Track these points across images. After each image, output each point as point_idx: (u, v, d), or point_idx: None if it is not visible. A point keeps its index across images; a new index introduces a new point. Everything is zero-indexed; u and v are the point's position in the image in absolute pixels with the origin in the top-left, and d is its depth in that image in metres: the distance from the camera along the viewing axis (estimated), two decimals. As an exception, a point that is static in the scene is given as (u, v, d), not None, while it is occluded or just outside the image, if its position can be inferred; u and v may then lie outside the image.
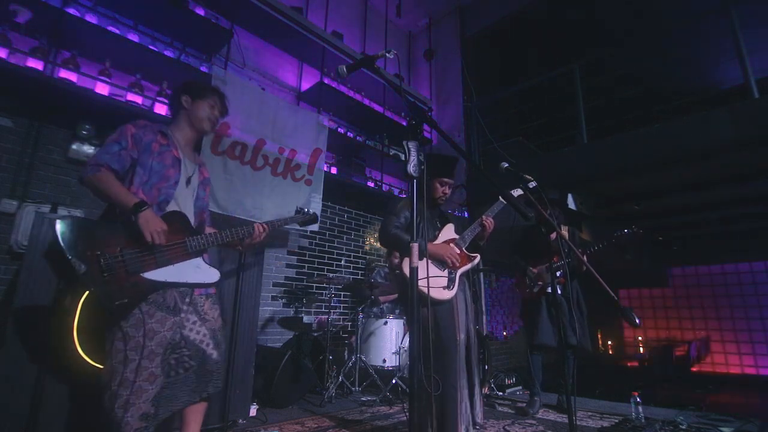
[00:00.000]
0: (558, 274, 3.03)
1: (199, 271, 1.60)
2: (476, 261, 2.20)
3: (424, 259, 1.98)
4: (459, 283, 2.13)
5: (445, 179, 2.25)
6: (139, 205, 1.43)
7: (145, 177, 1.55)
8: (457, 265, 2.11)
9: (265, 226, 1.83)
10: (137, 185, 1.53)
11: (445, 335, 1.98)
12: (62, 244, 1.33)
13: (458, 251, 2.14)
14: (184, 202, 1.66)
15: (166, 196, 1.58)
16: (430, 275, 1.95)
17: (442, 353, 1.95)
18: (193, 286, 1.59)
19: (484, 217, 2.20)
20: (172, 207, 1.60)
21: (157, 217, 1.47)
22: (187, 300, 1.56)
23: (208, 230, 1.78)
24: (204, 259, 1.66)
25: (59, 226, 1.35)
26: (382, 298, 3.99)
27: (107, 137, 1.57)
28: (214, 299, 1.68)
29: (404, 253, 2.10)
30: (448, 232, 2.25)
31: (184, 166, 1.69)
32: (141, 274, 1.43)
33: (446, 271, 2.11)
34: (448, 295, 2.05)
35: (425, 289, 1.85)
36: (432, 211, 2.30)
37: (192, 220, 1.69)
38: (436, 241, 2.19)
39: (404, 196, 2.57)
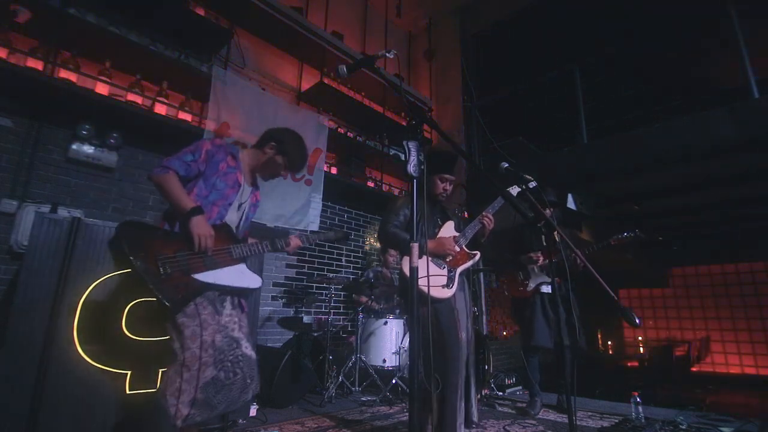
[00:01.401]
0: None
1: (243, 276, 1.71)
2: (476, 258, 2.18)
3: (424, 258, 1.98)
4: (458, 281, 2.11)
5: (446, 175, 2.22)
6: (194, 210, 1.56)
7: (206, 192, 1.67)
8: (455, 252, 2.09)
9: (299, 241, 1.96)
10: (195, 197, 1.64)
11: (447, 334, 1.96)
12: (125, 246, 1.45)
13: (457, 248, 2.12)
14: (231, 221, 1.77)
15: (220, 215, 1.70)
16: (429, 274, 1.94)
17: (444, 352, 1.93)
18: (238, 290, 1.69)
19: (483, 214, 2.19)
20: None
21: (206, 223, 1.59)
22: (234, 303, 1.68)
23: (251, 240, 1.88)
24: (247, 266, 1.75)
25: (122, 229, 1.50)
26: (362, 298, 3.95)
27: (184, 147, 1.68)
28: (247, 312, 1.79)
29: (403, 251, 2.10)
30: (448, 229, 2.23)
31: (242, 190, 1.80)
32: (192, 275, 1.55)
33: (445, 269, 2.10)
34: (447, 293, 2.04)
35: (425, 288, 1.84)
36: (432, 208, 2.28)
37: (237, 232, 1.80)
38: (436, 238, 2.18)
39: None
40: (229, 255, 1.68)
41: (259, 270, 2.73)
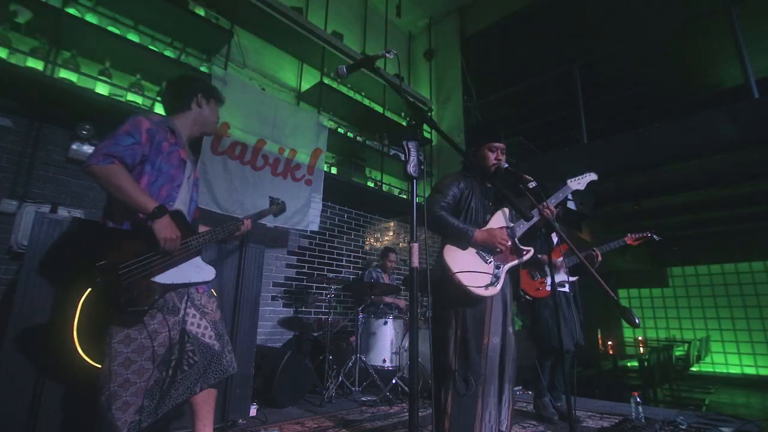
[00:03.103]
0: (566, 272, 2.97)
1: (199, 270, 1.61)
2: (527, 256, 1.90)
3: (470, 249, 1.83)
4: (503, 280, 1.85)
5: (496, 144, 1.96)
6: (158, 210, 1.41)
7: (153, 177, 1.52)
8: (507, 246, 1.84)
9: (249, 223, 1.88)
10: (145, 185, 1.49)
11: (471, 337, 1.77)
12: (88, 260, 1.35)
13: (508, 240, 1.86)
14: (182, 203, 1.65)
15: (170, 198, 1.56)
16: (472, 269, 1.79)
17: (465, 357, 1.76)
18: (195, 285, 1.60)
19: (545, 203, 1.86)
20: (174, 207, 1.59)
21: (172, 225, 1.46)
22: (185, 298, 1.56)
23: (201, 228, 1.77)
24: (201, 257, 1.67)
25: (79, 231, 1.39)
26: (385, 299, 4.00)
27: (118, 127, 1.48)
28: (209, 292, 1.69)
29: (448, 237, 1.87)
30: (499, 218, 1.93)
31: (188, 167, 1.67)
32: (153, 279, 1.44)
33: (492, 265, 1.84)
34: (489, 292, 1.78)
35: (465, 285, 1.73)
36: (485, 188, 2.00)
37: (188, 219, 1.70)
38: (486, 227, 1.89)
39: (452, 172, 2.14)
40: (186, 249, 1.55)
41: (259, 269, 2.73)
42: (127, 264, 1.38)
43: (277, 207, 2.16)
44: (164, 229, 1.43)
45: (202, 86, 1.76)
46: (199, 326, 1.56)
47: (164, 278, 1.47)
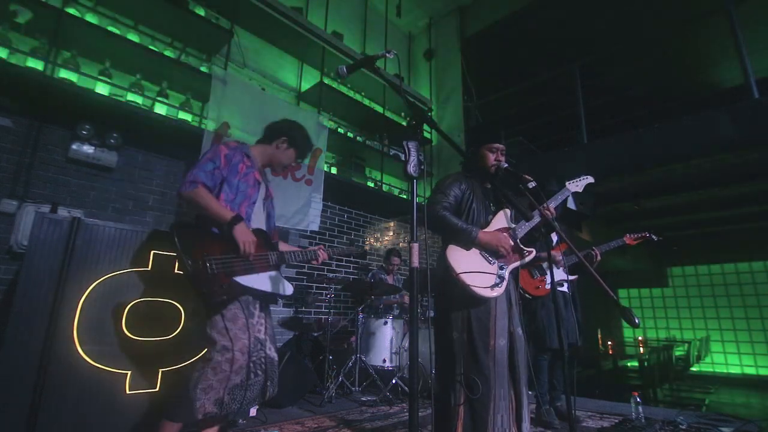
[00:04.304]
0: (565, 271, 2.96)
1: (277, 283, 1.79)
2: (529, 257, 1.91)
3: (473, 250, 1.83)
4: (507, 281, 1.84)
5: (495, 145, 1.96)
6: (236, 218, 1.64)
7: (232, 195, 1.74)
8: (509, 249, 1.83)
9: (326, 255, 2.01)
10: (224, 201, 1.71)
11: (477, 339, 1.74)
12: (179, 246, 1.55)
13: (511, 243, 1.84)
14: (258, 219, 1.83)
15: (247, 215, 1.76)
16: (477, 270, 1.78)
17: (472, 359, 1.73)
18: (270, 296, 1.77)
19: (545, 205, 1.85)
20: (252, 225, 1.77)
21: (248, 230, 1.68)
22: (261, 305, 1.74)
23: (282, 246, 1.95)
24: (279, 272, 1.83)
25: (176, 232, 1.58)
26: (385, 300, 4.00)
27: (203, 155, 1.74)
28: (270, 311, 1.85)
29: (449, 238, 1.86)
30: (501, 219, 1.94)
31: (262, 188, 1.87)
32: (233, 278, 1.62)
33: (495, 266, 1.83)
34: (493, 293, 1.77)
35: (470, 286, 1.72)
36: (485, 190, 2.01)
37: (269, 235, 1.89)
38: (488, 228, 1.89)
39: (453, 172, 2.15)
40: (266, 261, 1.75)
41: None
42: (212, 257, 1.58)
43: (358, 249, 2.40)
44: (242, 233, 1.64)
45: (293, 134, 1.95)
46: (266, 337, 1.70)
47: (244, 280, 1.64)
